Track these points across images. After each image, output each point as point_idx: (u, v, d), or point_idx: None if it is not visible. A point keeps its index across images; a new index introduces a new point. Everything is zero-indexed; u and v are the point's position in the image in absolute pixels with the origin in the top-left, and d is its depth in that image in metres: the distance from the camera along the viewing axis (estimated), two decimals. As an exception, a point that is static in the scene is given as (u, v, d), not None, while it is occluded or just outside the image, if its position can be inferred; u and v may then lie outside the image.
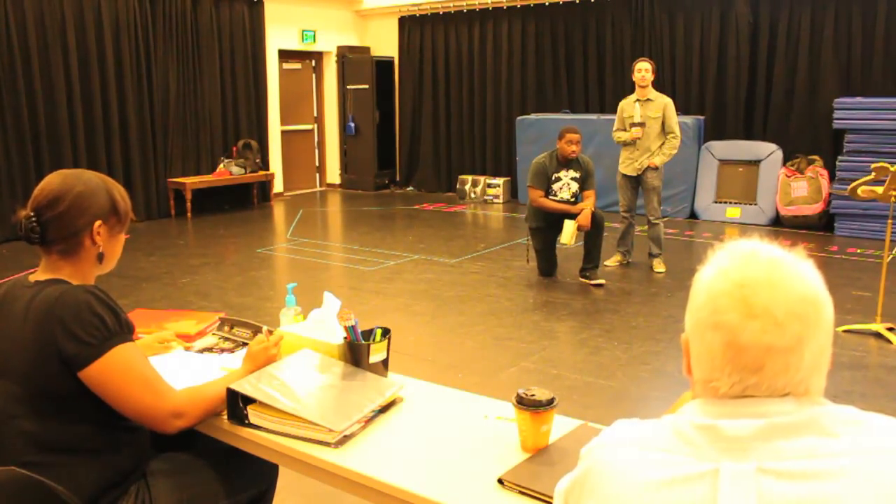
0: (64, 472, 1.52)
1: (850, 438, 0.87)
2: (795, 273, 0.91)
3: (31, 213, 1.61)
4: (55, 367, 1.51)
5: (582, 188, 5.84)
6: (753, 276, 0.90)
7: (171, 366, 1.96)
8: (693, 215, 8.56)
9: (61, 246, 1.63)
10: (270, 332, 1.93)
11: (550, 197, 5.78)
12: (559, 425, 1.59)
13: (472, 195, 10.27)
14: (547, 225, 5.85)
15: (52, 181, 1.64)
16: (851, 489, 0.82)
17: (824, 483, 0.83)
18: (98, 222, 1.64)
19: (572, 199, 5.82)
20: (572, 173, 5.78)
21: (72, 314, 1.51)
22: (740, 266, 0.92)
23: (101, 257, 1.67)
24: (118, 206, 1.69)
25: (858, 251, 6.86)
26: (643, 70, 6.06)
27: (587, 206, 5.65)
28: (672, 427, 0.93)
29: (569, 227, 5.59)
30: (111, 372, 1.53)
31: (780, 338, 0.87)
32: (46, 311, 1.52)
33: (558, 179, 5.78)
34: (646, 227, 6.28)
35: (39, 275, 1.63)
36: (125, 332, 1.58)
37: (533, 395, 1.52)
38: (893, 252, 6.50)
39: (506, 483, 1.40)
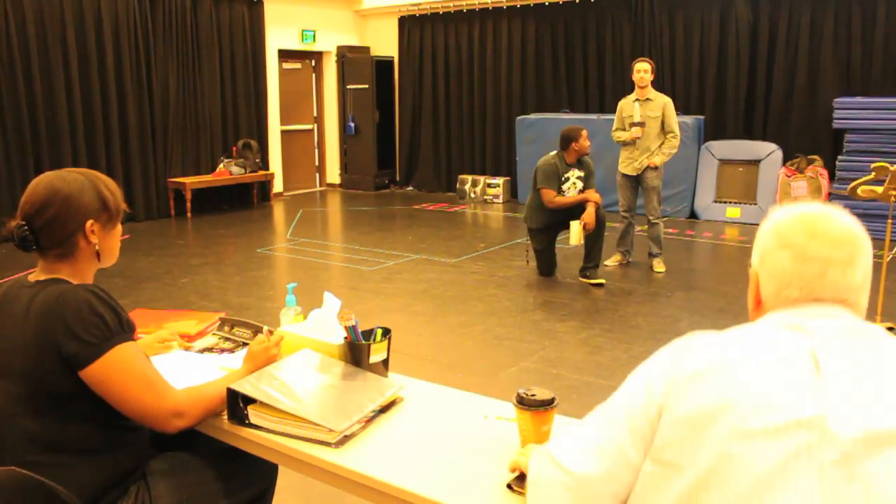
0: (64, 472, 1.52)
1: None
2: (842, 214, 1.13)
3: (22, 222, 1.60)
4: (56, 367, 1.51)
5: (585, 186, 5.86)
6: (812, 213, 1.12)
7: (172, 366, 1.96)
8: (693, 215, 8.56)
9: (58, 250, 1.62)
10: (271, 333, 1.93)
11: (559, 198, 5.80)
12: (559, 425, 1.59)
13: (472, 195, 10.27)
14: (546, 225, 5.86)
15: (38, 188, 1.62)
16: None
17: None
18: (90, 221, 1.63)
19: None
20: (578, 172, 5.81)
21: (73, 313, 1.51)
22: (799, 209, 1.14)
23: (98, 255, 1.66)
24: (108, 201, 1.67)
25: (858, 251, 6.85)
26: (642, 70, 6.06)
27: (594, 196, 5.68)
28: (760, 331, 1.08)
29: (575, 227, 5.60)
30: (112, 371, 1.53)
31: (837, 252, 1.09)
32: (47, 310, 1.52)
33: (567, 180, 5.80)
34: (645, 226, 6.28)
35: (39, 275, 1.63)
36: (126, 331, 1.58)
37: (533, 395, 1.52)
38: (893, 252, 6.51)
39: (515, 488, 1.40)
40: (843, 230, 1.11)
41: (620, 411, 1.15)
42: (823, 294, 1.09)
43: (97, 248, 1.65)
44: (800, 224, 1.12)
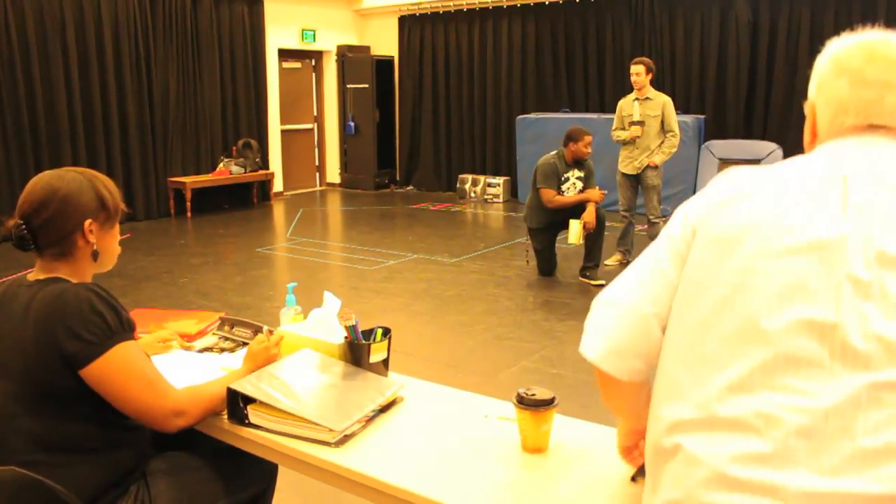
0: (64, 471, 1.52)
1: None
2: None
3: (20, 222, 1.59)
4: (56, 366, 1.50)
5: (585, 187, 5.85)
6: (871, 38, 1.11)
7: (172, 365, 1.96)
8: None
9: (55, 249, 1.62)
10: (271, 332, 1.92)
11: (558, 197, 5.80)
12: (559, 425, 1.59)
13: (472, 194, 10.27)
14: (546, 225, 5.86)
15: (36, 187, 1.61)
16: None
17: None
18: (88, 221, 1.62)
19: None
20: (578, 173, 5.81)
21: (73, 312, 1.51)
22: (858, 37, 1.13)
23: (95, 255, 1.65)
24: (106, 201, 1.66)
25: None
26: (635, 73, 6.06)
27: (595, 194, 5.66)
28: (798, 162, 1.12)
29: (574, 226, 5.60)
30: (112, 370, 1.53)
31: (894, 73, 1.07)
32: (47, 309, 1.52)
33: (566, 180, 5.80)
34: (645, 225, 6.28)
35: (37, 274, 1.63)
36: (126, 330, 1.58)
37: (533, 395, 1.52)
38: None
39: (638, 480, 1.39)
40: None
41: (662, 242, 1.19)
42: (880, 119, 1.09)
43: (95, 248, 1.65)
44: (858, 49, 1.11)
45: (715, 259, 1.06)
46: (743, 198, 1.08)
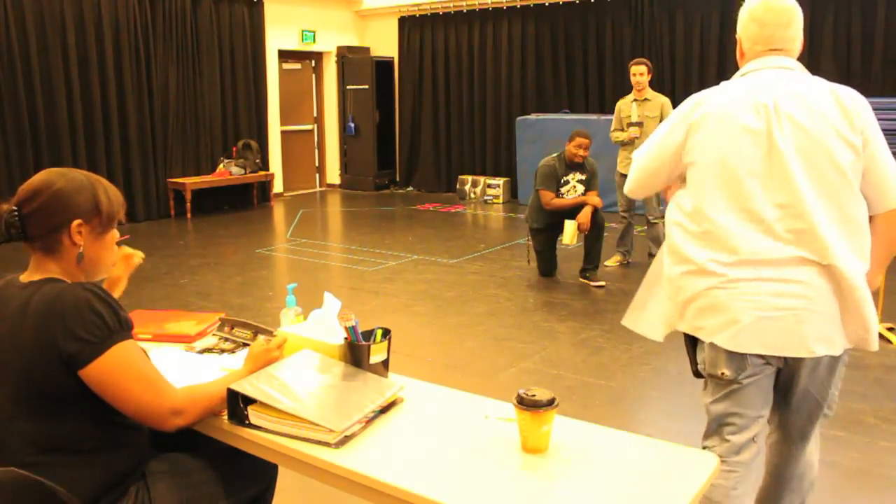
0: (64, 472, 1.52)
1: (808, 78, 1.93)
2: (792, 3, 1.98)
3: (14, 207, 1.60)
4: (55, 366, 1.50)
5: (587, 189, 5.85)
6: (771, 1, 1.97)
7: (172, 365, 1.96)
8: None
9: (41, 243, 1.61)
10: (272, 336, 1.93)
11: (557, 200, 5.79)
12: (559, 426, 1.59)
13: (472, 195, 10.27)
14: (547, 226, 5.86)
15: (37, 176, 1.63)
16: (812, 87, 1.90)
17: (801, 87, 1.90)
18: (77, 221, 1.61)
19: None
20: (579, 175, 5.79)
21: (72, 312, 1.51)
22: None
23: (80, 258, 1.63)
24: (101, 206, 1.65)
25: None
26: (637, 73, 6.06)
27: (594, 199, 5.66)
28: (743, 80, 1.96)
29: (569, 227, 5.61)
30: (112, 370, 1.53)
31: (780, 18, 1.94)
32: (45, 309, 1.52)
33: (566, 182, 5.78)
34: (645, 227, 6.28)
35: (31, 275, 1.63)
36: (125, 329, 1.57)
37: (533, 396, 1.52)
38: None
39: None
40: (783, 5, 1.96)
41: (667, 123, 2.05)
42: (776, 45, 1.96)
43: (80, 250, 1.63)
44: (762, 4, 1.97)
45: (709, 137, 1.91)
46: (714, 111, 1.92)
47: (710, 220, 1.86)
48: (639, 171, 2.09)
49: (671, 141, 1.99)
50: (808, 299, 1.80)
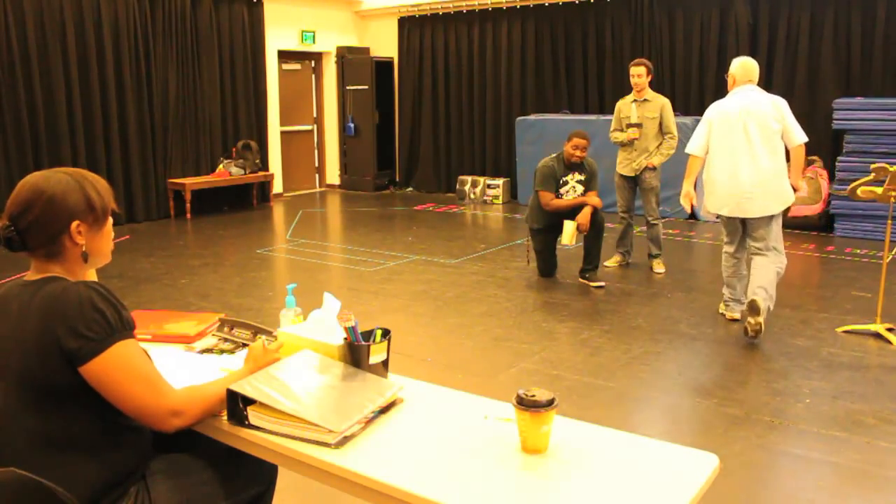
0: (64, 472, 1.52)
1: (760, 93, 4.65)
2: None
3: (8, 223, 1.59)
4: (56, 363, 1.51)
5: (586, 190, 5.85)
6: (747, 59, 4.76)
7: (172, 365, 1.96)
8: (693, 216, 8.56)
9: (45, 250, 1.62)
10: (272, 336, 1.93)
11: (556, 200, 5.78)
12: (559, 426, 1.59)
13: (472, 196, 10.28)
14: (547, 226, 5.86)
15: (22, 189, 1.61)
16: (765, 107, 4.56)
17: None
18: (76, 223, 1.62)
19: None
20: (578, 176, 5.78)
21: (74, 309, 1.51)
22: (743, 57, 4.84)
23: (85, 257, 1.65)
24: (93, 202, 1.65)
25: (858, 252, 6.86)
26: (636, 75, 6.05)
27: (593, 199, 5.65)
28: (734, 97, 4.63)
29: (569, 227, 5.60)
30: (112, 368, 1.53)
31: (754, 67, 4.68)
32: (48, 307, 1.52)
33: (565, 183, 5.78)
34: (644, 227, 6.27)
35: (34, 275, 1.63)
36: (127, 328, 1.58)
37: (533, 396, 1.52)
38: (893, 252, 6.50)
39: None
40: (753, 63, 4.68)
41: (703, 124, 4.75)
42: (752, 79, 4.63)
43: (84, 249, 1.65)
44: (745, 61, 4.65)
45: (717, 130, 4.63)
46: (720, 114, 4.63)
47: (716, 167, 4.64)
48: (695, 140, 4.77)
49: (704, 130, 4.72)
50: (753, 189, 4.49)
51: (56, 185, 1.62)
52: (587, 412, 3.45)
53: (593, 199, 5.70)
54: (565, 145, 5.72)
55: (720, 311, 5.00)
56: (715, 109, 4.64)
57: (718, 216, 4.74)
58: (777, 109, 4.44)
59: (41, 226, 1.59)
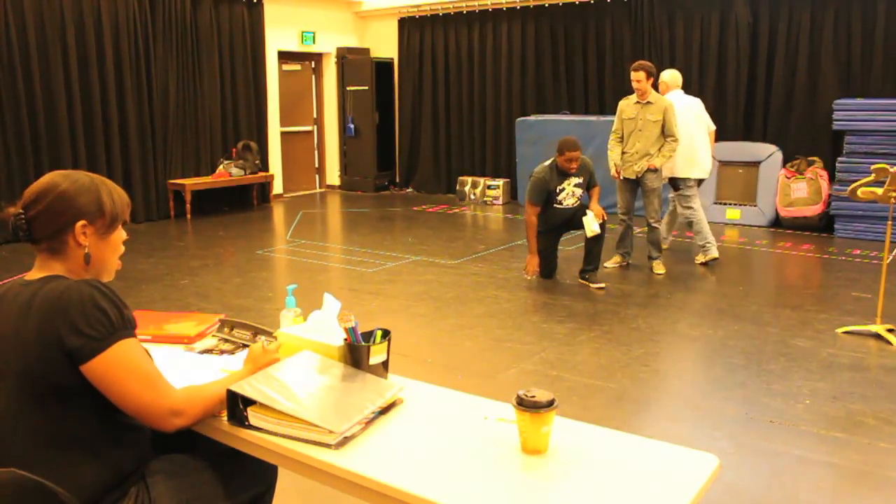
0: (64, 471, 1.52)
1: (684, 96, 6.73)
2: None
3: (20, 211, 1.62)
4: (58, 362, 1.51)
5: (587, 189, 5.85)
6: (673, 71, 6.84)
7: (172, 366, 1.95)
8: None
9: (47, 244, 1.63)
10: (272, 337, 1.92)
11: (555, 206, 5.77)
12: (559, 427, 1.59)
13: (472, 196, 10.28)
14: (547, 228, 5.85)
15: (42, 179, 1.66)
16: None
17: None
18: (82, 222, 1.63)
19: (577, 203, 5.81)
20: (575, 180, 5.77)
21: (76, 308, 1.51)
22: (671, 70, 6.96)
23: (87, 258, 1.66)
24: (105, 207, 1.67)
25: (858, 252, 6.86)
26: (635, 80, 6.02)
27: (595, 207, 5.65)
28: (679, 96, 6.52)
29: (588, 222, 5.57)
30: (113, 367, 1.53)
31: (678, 77, 6.68)
32: (50, 305, 1.52)
33: (562, 189, 5.76)
34: (645, 228, 6.27)
35: (36, 273, 1.64)
36: (129, 327, 1.58)
37: (533, 397, 1.52)
38: (893, 253, 6.50)
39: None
40: (677, 74, 6.65)
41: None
42: (677, 84, 6.51)
43: (87, 251, 1.66)
44: (672, 72, 6.64)
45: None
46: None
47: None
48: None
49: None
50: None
51: (72, 183, 1.65)
52: (587, 413, 3.45)
53: (595, 206, 5.68)
54: (558, 158, 5.70)
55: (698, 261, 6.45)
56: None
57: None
58: (698, 106, 6.55)
59: (47, 217, 1.62)
